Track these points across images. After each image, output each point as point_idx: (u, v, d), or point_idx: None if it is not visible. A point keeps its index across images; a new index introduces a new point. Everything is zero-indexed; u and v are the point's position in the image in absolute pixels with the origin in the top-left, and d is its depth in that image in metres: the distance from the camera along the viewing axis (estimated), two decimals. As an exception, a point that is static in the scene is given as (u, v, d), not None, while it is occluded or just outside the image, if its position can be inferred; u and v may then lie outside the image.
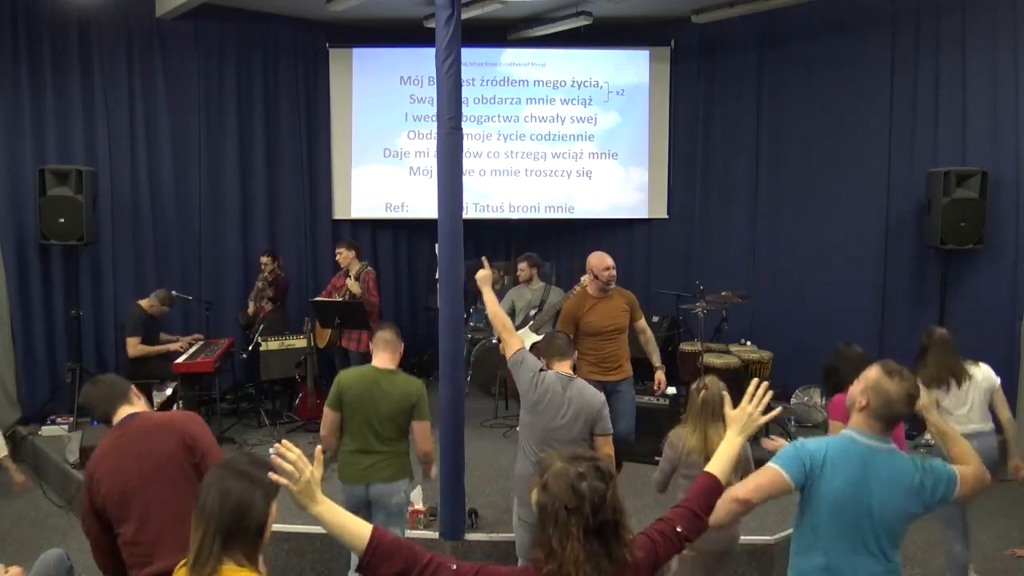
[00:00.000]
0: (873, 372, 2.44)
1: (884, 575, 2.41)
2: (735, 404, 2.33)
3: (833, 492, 2.37)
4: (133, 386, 3.02)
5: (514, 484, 3.92)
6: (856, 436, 2.42)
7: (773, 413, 2.32)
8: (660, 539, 1.93)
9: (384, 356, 3.79)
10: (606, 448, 3.61)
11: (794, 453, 2.43)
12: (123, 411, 2.90)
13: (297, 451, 1.87)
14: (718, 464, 2.16)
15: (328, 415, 3.78)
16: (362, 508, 3.70)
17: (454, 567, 1.78)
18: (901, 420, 2.46)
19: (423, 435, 3.77)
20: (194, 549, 1.92)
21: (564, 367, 3.72)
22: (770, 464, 2.42)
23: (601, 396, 3.70)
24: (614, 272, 4.97)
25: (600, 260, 4.99)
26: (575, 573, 1.69)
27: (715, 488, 2.11)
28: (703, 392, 3.42)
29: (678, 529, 1.97)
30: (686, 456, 3.41)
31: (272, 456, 1.89)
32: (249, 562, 1.97)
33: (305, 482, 1.86)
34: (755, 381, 2.29)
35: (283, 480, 1.86)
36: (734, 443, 2.21)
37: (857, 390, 2.46)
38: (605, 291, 5.01)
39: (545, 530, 1.73)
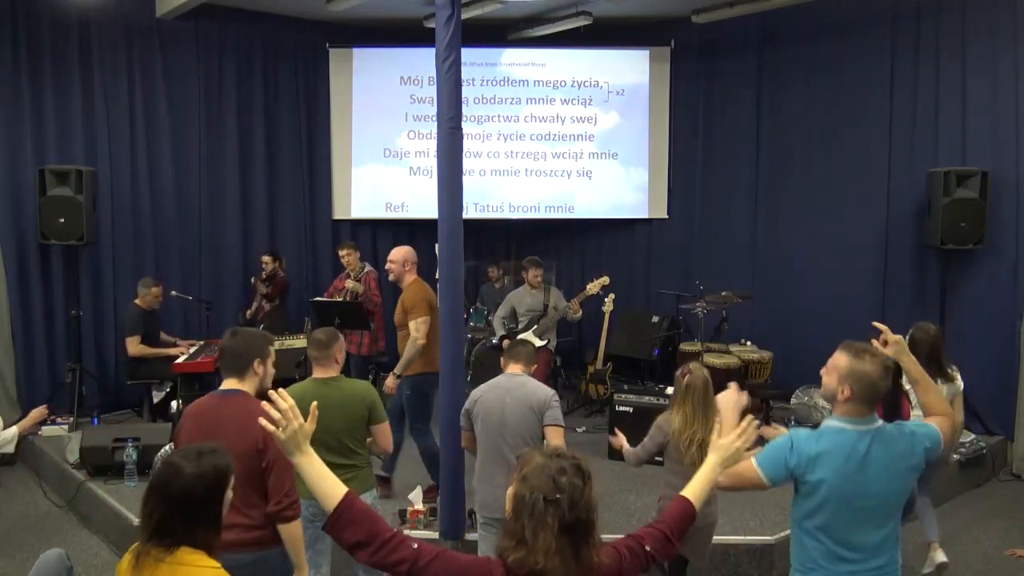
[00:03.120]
0: (842, 359, 2.41)
1: (886, 537, 2.42)
2: (717, 393, 2.36)
3: (827, 485, 2.37)
4: (256, 360, 2.88)
5: (473, 490, 3.87)
6: (845, 426, 2.41)
7: (756, 450, 2.33)
8: (628, 554, 1.90)
9: (320, 364, 3.54)
10: (556, 439, 3.59)
11: (778, 454, 2.42)
12: (230, 382, 2.86)
13: (291, 401, 1.90)
14: (694, 489, 2.14)
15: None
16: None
17: (415, 546, 1.79)
18: (883, 396, 2.44)
19: (385, 437, 3.65)
20: (146, 526, 1.96)
21: (516, 368, 3.76)
22: (752, 460, 2.39)
23: (549, 390, 3.72)
24: (389, 267, 5.07)
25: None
26: (542, 563, 1.68)
27: (689, 514, 2.09)
28: (687, 377, 3.58)
29: (647, 548, 1.94)
30: (673, 439, 3.53)
31: (263, 404, 1.93)
32: (204, 547, 2.00)
33: (292, 431, 1.89)
34: (749, 418, 2.27)
35: (270, 426, 1.89)
36: (714, 470, 2.19)
37: (832, 381, 2.43)
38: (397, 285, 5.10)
39: (519, 520, 1.73)
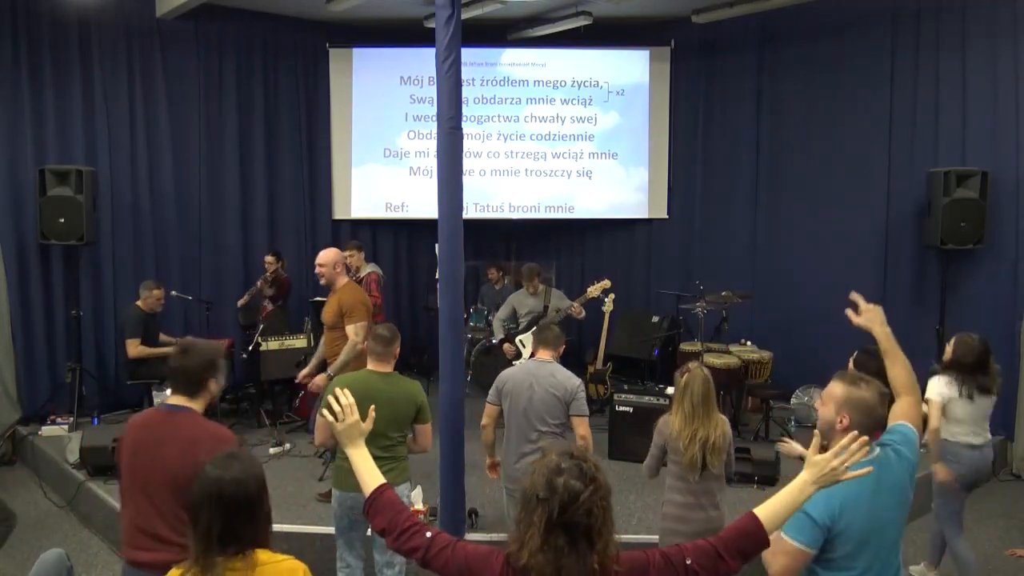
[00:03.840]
0: (838, 388, 2.37)
1: (898, 560, 2.41)
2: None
3: (857, 527, 2.29)
4: (210, 380, 2.80)
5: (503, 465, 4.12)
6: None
7: (859, 473, 2.01)
8: (660, 561, 1.81)
9: (380, 359, 3.72)
10: (580, 428, 3.92)
11: (810, 523, 2.26)
12: (175, 398, 2.76)
13: (352, 399, 2.17)
14: (769, 508, 1.94)
15: (321, 424, 3.69)
16: (361, 516, 3.63)
17: (428, 535, 1.90)
18: (882, 422, 2.42)
19: (426, 437, 3.81)
20: (205, 539, 1.96)
21: (545, 355, 4.07)
22: (789, 541, 2.25)
23: (576, 379, 3.98)
24: (320, 270, 5.05)
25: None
26: (524, 560, 1.71)
27: (753, 532, 1.88)
28: (685, 376, 3.59)
29: (688, 561, 1.81)
30: (673, 440, 3.51)
31: (328, 397, 2.19)
32: (267, 544, 2.06)
33: (347, 425, 2.15)
34: (853, 434, 1.99)
35: (330, 417, 2.15)
36: (803, 490, 1.96)
37: (829, 411, 2.37)
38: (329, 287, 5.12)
39: (520, 513, 1.78)
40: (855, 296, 2.59)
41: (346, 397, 2.17)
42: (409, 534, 1.92)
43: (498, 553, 1.81)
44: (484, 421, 4.10)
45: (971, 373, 4.07)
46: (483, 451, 4.18)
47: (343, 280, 5.09)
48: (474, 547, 1.87)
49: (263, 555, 2.02)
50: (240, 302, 7.59)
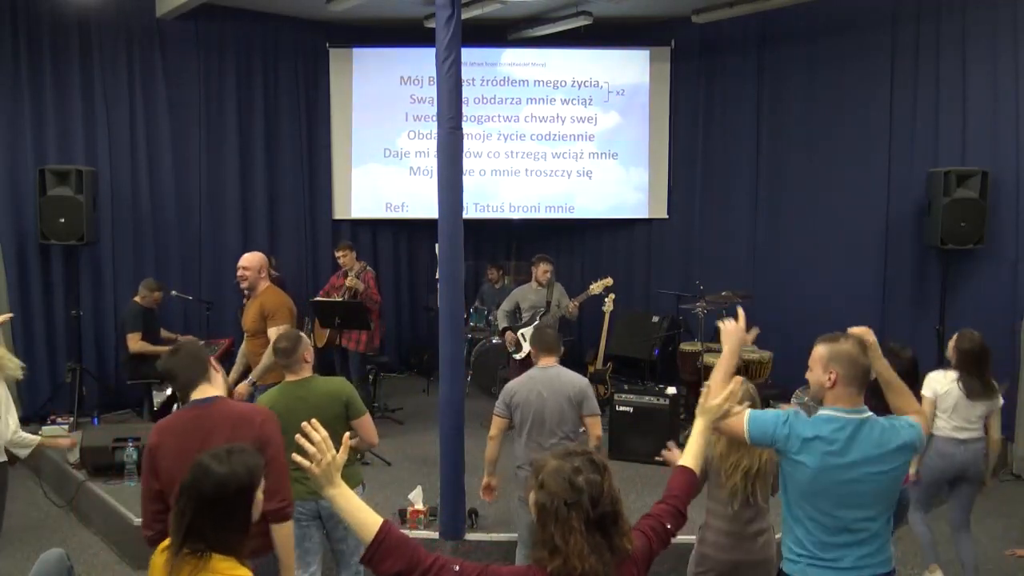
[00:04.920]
0: (820, 348, 2.47)
1: (872, 526, 2.42)
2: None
3: (810, 470, 2.39)
4: (212, 359, 2.85)
5: (514, 471, 4.06)
6: (835, 413, 2.43)
7: (745, 407, 2.47)
8: (653, 535, 1.96)
9: (291, 370, 3.50)
10: (595, 428, 3.90)
11: (770, 419, 2.48)
12: (203, 390, 2.74)
13: (324, 432, 1.88)
14: (691, 456, 2.20)
15: None
16: (315, 521, 3.54)
17: (456, 568, 1.76)
18: (868, 374, 2.46)
19: (368, 430, 3.56)
20: (178, 528, 1.95)
21: (548, 361, 4.00)
22: (745, 414, 2.49)
23: (582, 379, 3.96)
24: (243, 273, 4.95)
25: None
26: (580, 566, 1.68)
27: (693, 482, 2.16)
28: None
29: (668, 526, 2.01)
30: (717, 462, 3.09)
31: (296, 437, 1.90)
32: (234, 552, 1.99)
33: (326, 464, 1.86)
34: (737, 380, 2.41)
35: (305, 462, 1.86)
36: (703, 435, 2.26)
37: (817, 371, 2.47)
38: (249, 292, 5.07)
39: (546, 528, 1.72)
40: (854, 330, 2.57)
41: (317, 432, 1.88)
42: (435, 571, 1.76)
43: (536, 571, 1.75)
44: (492, 432, 3.99)
45: (975, 366, 4.03)
46: (484, 462, 4.02)
47: (264, 284, 4.99)
48: (508, 569, 1.84)
49: (219, 563, 1.95)
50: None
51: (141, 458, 5.10)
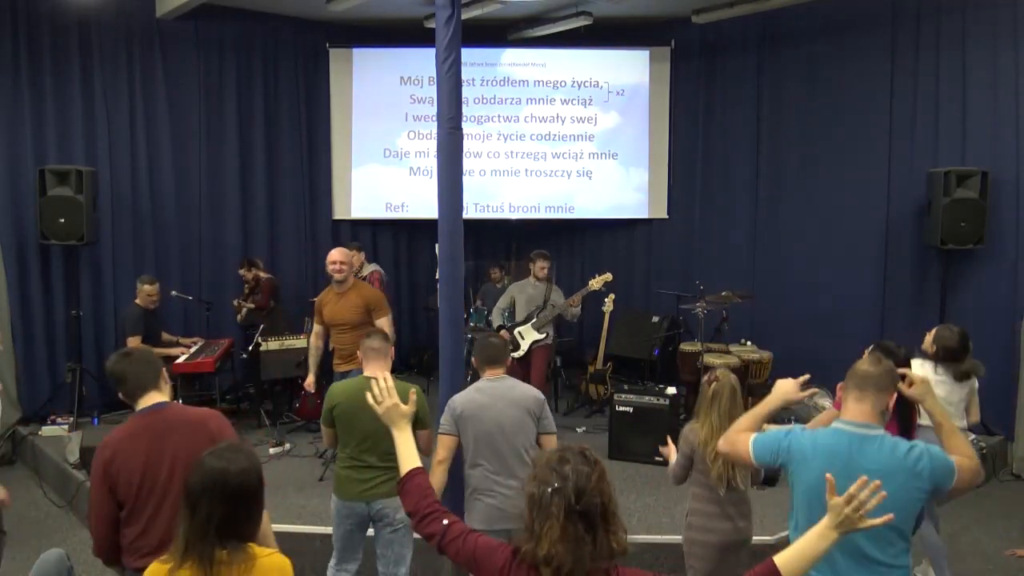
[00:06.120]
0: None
1: (881, 552, 2.35)
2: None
3: (807, 483, 2.39)
4: (164, 369, 2.83)
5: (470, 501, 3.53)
6: (841, 427, 2.43)
7: (876, 521, 1.93)
8: None
9: (374, 365, 3.54)
10: (551, 447, 3.21)
11: (773, 438, 2.53)
12: (152, 397, 2.71)
13: (391, 383, 2.30)
14: (788, 555, 1.88)
15: (325, 432, 3.71)
16: (364, 525, 3.60)
17: (445, 522, 1.98)
18: (884, 393, 2.43)
19: (426, 443, 3.51)
20: (202, 531, 1.93)
21: (495, 372, 3.56)
22: (754, 434, 2.57)
23: (537, 392, 3.57)
24: (340, 267, 5.18)
25: (328, 256, 5.26)
26: (547, 550, 1.69)
27: None
28: (713, 384, 3.36)
29: None
30: (700, 449, 3.29)
31: (371, 382, 2.32)
32: (253, 540, 2.03)
33: (387, 407, 2.26)
34: (863, 479, 1.92)
35: (371, 400, 2.28)
36: (823, 537, 1.90)
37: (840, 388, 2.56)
38: (340, 285, 5.23)
39: (530, 513, 1.76)
40: (904, 371, 2.62)
41: (385, 381, 2.29)
42: (429, 520, 2.01)
43: (505, 547, 1.84)
44: (440, 455, 3.41)
45: (954, 359, 4.03)
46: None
47: (352, 279, 5.33)
48: (485, 540, 1.92)
49: (256, 550, 2.00)
50: (239, 317, 7.51)
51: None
